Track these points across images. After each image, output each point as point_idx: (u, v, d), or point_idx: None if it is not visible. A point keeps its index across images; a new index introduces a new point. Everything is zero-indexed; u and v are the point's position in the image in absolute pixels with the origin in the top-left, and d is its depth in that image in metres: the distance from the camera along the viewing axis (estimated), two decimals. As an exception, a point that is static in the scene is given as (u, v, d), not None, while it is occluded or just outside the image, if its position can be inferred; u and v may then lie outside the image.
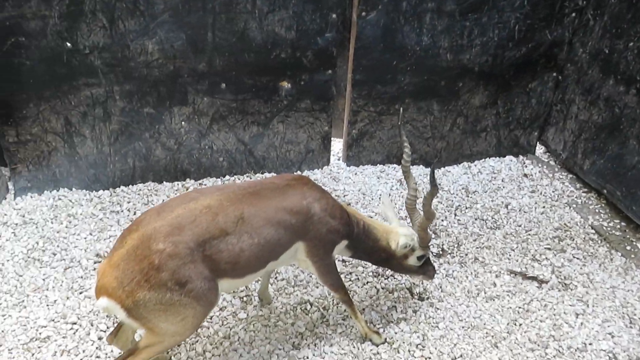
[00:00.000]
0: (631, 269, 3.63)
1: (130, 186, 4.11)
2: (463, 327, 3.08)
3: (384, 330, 3.01)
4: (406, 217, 4.15)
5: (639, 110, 3.92)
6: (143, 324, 2.11)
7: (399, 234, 2.78)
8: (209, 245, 2.15)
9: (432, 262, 3.00)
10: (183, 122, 4.07)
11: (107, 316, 2.93)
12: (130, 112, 3.92)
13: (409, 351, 2.89)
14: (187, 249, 2.09)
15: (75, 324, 2.90)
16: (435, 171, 4.73)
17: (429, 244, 2.84)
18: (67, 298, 3.07)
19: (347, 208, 2.74)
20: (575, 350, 2.97)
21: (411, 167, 2.77)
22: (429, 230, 2.74)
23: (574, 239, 3.92)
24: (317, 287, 3.27)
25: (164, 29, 3.71)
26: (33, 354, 2.72)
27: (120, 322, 2.36)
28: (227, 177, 4.33)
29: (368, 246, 2.77)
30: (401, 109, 3.21)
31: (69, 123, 3.83)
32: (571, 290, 3.42)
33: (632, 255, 3.77)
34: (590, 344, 3.02)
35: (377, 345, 2.90)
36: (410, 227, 2.86)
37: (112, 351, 2.74)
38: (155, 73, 3.84)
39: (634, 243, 3.89)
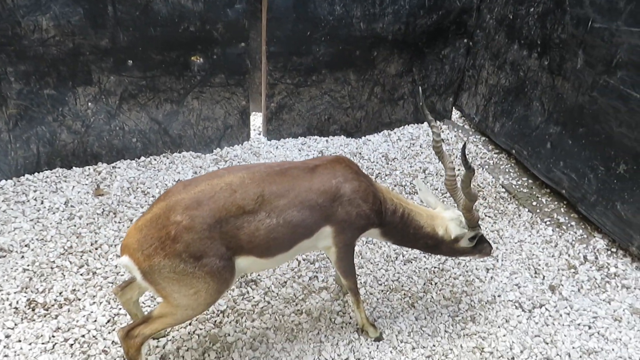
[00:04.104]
0: (536, 223, 3.88)
1: (35, 174, 3.86)
2: (382, 291, 3.18)
3: (306, 301, 3.06)
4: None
5: (540, 74, 4.13)
6: (157, 290, 2.18)
7: (446, 218, 2.70)
8: (225, 222, 2.17)
9: (485, 238, 2.87)
10: (89, 103, 3.85)
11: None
12: (28, 95, 3.66)
13: (330, 319, 2.95)
14: (203, 223, 2.11)
15: (-22, 323, 2.73)
16: (356, 140, 4.83)
17: (478, 223, 2.72)
18: (-32, 297, 2.87)
19: (388, 193, 2.63)
20: (486, 303, 3.16)
21: (442, 148, 2.57)
22: (474, 210, 2.61)
23: (486, 198, 4.12)
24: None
25: (58, 3, 3.45)
26: None
27: (131, 279, 2.41)
28: (143, 158, 4.17)
29: (409, 233, 2.67)
30: (420, 87, 3.16)
31: (-42, 109, 3.53)
32: (483, 247, 3.61)
33: (538, 210, 4.03)
34: (499, 295, 3.22)
35: (372, 339, 2.85)
36: (456, 209, 2.74)
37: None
38: (53, 51, 3.58)
39: (540, 199, 4.15)
